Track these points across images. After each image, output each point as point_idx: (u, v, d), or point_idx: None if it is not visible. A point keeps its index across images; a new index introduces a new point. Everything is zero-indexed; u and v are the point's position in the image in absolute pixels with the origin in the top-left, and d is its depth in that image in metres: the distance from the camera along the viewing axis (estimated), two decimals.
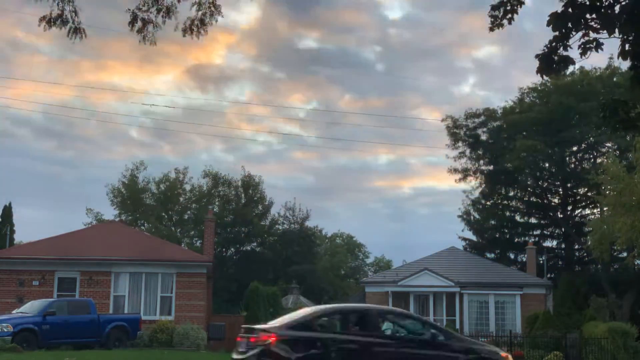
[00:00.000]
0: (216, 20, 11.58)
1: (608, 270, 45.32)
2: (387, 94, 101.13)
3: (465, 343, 14.61)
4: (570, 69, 10.81)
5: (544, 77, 10.75)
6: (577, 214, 53.51)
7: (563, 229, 51.84)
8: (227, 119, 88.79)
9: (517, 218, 54.96)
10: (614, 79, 45.88)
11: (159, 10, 11.40)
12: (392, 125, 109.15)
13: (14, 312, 29.33)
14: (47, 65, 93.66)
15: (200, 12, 11.53)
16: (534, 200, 53.96)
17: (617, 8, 9.75)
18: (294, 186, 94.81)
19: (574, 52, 10.22)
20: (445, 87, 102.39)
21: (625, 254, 38.19)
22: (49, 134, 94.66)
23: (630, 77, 10.10)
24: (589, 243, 38.48)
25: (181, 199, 56.71)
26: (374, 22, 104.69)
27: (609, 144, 46.94)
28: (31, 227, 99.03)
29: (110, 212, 55.68)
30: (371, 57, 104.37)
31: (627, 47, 9.70)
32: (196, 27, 11.54)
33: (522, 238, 53.76)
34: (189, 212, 56.69)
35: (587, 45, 10.02)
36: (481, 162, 52.55)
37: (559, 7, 9.94)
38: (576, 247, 52.46)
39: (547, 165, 50.11)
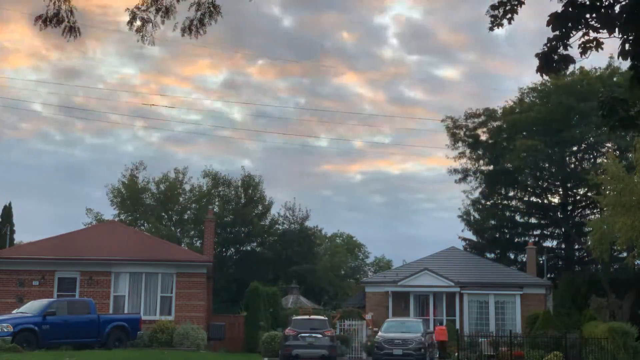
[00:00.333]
0: (215, 21, 11.59)
1: (608, 270, 45.29)
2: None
3: None
4: (570, 68, 10.80)
5: (544, 76, 10.73)
6: (577, 214, 53.47)
7: (563, 229, 51.82)
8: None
9: (517, 218, 54.93)
10: (614, 79, 45.83)
11: (158, 10, 11.40)
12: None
13: (14, 312, 29.34)
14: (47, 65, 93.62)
15: (199, 13, 11.52)
16: (534, 200, 53.94)
17: (617, 8, 9.74)
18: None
19: (574, 52, 10.22)
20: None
21: (625, 254, 38.15)
22: (49, 134, 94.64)
23: (630, 77, 10.09)
24: (589, 243, 38.46)
25: (181, 199, 56.69)
26: None
27: (609, 144, 46.91)
28: (31, 227, 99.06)
29: (110, 212, 55.74)
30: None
31: (627, 47, 9.69)
32: (195, 27, 11.54)
33: (522, 238, 53.73)
34: (189, 212, 56.67)
35: (587, 45, 10.02)
36: (481, 162, 52.53)
37: (558, 7, 9.94)
38: (576, 247, 52.43)
39: (547, 165, 50.07)
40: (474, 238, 55.07)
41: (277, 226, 58.17)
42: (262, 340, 33.34)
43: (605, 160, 38.66)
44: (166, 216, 55.98)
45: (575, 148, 49.55)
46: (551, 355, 29.40)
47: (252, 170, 74.69)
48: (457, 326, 36.52)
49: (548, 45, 10.19)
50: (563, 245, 54.03)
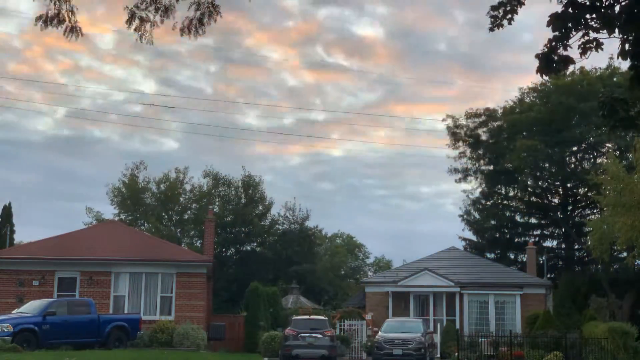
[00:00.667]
0: (215, 21, 11.57)
1: (608, 270, 45.29)
2: None
3: None
4: (570, 68, 10.79)
5: (544, 76, 10.73)
6: (577, 214, 53.48)
7: (563, 229, 51.82)
8: None
9: (517, 218, 54.93)
10: (614, 79, 45.83)
11: (157, 9, 11.38)
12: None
13: (14, 312, 29.34)
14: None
15: (198, 12, 11.51)
16: (534, 200, 53.93)
17: (617, 8, 9.74)
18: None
19: (574, 52, 10.22)
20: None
21: (625, 254, 38.13)
22: (49, 133, 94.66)
23: (630, 77, 10.09)
24: (589, 243, 38.44)
25: (181, 198, 56.69)
26: None
27: (609, 144, 46.89)
28: (31, 227, 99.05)
29: (110, 212, 55.73)
30: None
31: (627, 47, 9.69)
32: (194, 26, 11.53)
33: (522, 238, 53.74)
34: (189, 212, 56.66)
35: (587, 45, 10.01)
36: (481, 162, 52.53)
37: (558, 8, 9.94)
38: (576, 247, 52.43)
39: (547, 165, 50.06)
40: (474, 238, 55.10)
41: (277, 226, 58.17)
42: (262, 340, 33.33)
43: (605, 160, 38.64)
44: (166, 216, 55.98)
45: (575, 148, 49.54)
46: (551, 355, 29.40)
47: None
48: (457, 326, 36.51)
49: (548, 45, 10.19)
50: (563, 245, 54.04)
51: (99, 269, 34.54)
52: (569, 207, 53.11)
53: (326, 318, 32.72)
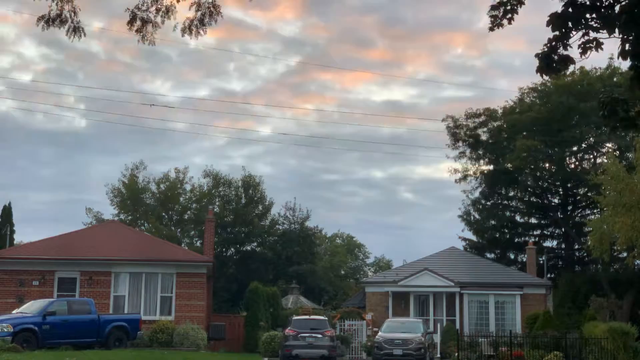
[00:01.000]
0: (215, 21, 11.59)
1: (608, 270, 45.27)
2: None
3: None
4: (571, 68, 10.80)
5: (544, 76, 10.74)
6: (577, 214, 53.48)
7: (563, 229, 51.82)
8: None
9: (517, 218, 54.92)
10: (614, 79, 45.83)
11: (158, 10, 11.41)
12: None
13: (14, 312, 29.36)
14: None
15: (199, 13, 11.53)
16: (534, 200, 53.94)
17: (617, 8, 9.74)
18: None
19: (574, 52, 10.23)
20: None
21: (625, 254, 38.13)
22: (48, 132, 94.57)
23: (630, 77, 10.09)
24: (589, 243, 38.41)
25: (181, 199, 56.70)
26: None
27: (609, 144, 46.91)
28: (31, 227, 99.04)
29: (110, 212, 55.75)
30: None
31: (627, 47, 9.69)
32: (195, 27, 11.55)
33: (522, 238, 53.73)
34: (189, 212, 56.67)
35: (587, 45, 10.02)
36: (481, 162, 52.54)
37: (558, 7, 9.94)
38: (576, 247, 52.42)
39: (547, 165, 50.06)
40: (474, 238, 55.08)
41: (277, 226, 58.20)
42: (262, 340, 33.35)
43: (605, 160, 38.63)
44: (166, 216, 56.00)
45: (575, 148, 49.53)
46: (551, 355, 29.40)
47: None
48: (457, 326, 36.54)
49: (548, 45, 10.20)
50: (563, 245, 54.03)
51: (99, 269, 34.56)
52: (569, 207, 53.12)
53: (326, 318, 32.75)
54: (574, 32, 10.01)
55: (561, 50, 10.19)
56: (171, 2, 11.37)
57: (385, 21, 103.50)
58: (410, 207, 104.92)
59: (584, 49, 10.01)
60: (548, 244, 53.89)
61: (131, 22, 11.44)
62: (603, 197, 34.34)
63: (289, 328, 30.21)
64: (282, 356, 29.83)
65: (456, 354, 31.73)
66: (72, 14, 11.26)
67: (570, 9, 9.85)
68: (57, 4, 11.07)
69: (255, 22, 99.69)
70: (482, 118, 51.17)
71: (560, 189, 52.81)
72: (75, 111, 75.52)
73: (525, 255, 47.17)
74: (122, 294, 34.52)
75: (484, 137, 51.45)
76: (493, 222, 54.09)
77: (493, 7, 10.64)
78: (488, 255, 53.05)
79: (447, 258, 43.51)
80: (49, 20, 11.20)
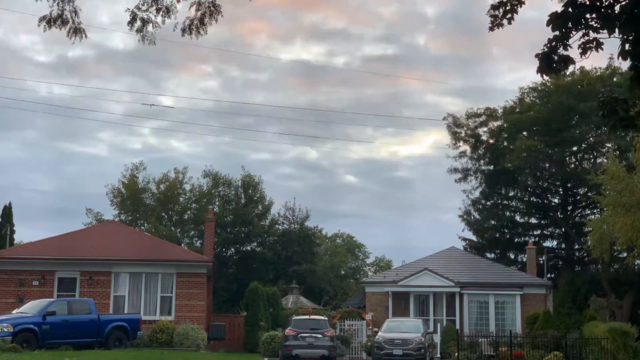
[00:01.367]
0: (216, 20, 11.59)
1: (608, 270, 45.27)
2: None
3: None
4: (571, 68, 10.80)
5: (544, 76, 10.74)
6: (577, 214, 53.46)
7: (563, 229, 51.82)
8: None
9: (517, 218, 54.90)
10: (614, 79, 45.84)
11: (158, 10, 11.40)
12: None
13: (14, 312, 29.36)
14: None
15: (199, 12, 11.53)
16: (534, 200, 53.93)
17: (617, 8, 9.74)
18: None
19: (574, 52, 10.22)
20: None
21: (625, 254, 38.14)
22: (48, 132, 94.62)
23: (630, 77, 10.09)
24: (589, 243, 38.44)
25: (181, 199, 56.68)
26: None
27: (609, 144, 46.89)
28: (31, 227, 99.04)
29: (110, 212, 55.74)
30: None
31: (627, 47, 9.69)
32: (195, 27, 11.55)
33: (522, 238, 53.72)
34: (189, 212, 56.65)
35: (587, 45, 10.02)
36: (481, 162, 52.53)
37: (558, 7, 9.94)
38: (576, 247, 52.42)
39: (547, 165, 50.06)
40: (474, 238, 55.07)
41: (277, 226, 58.18)
42: (262, 340, 33.35)
43: (605, 160, 38.62)
44: (166, 216, 55.99)
45: (575, 148, 49.54)
46: (551, 355, 29.40)
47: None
48: (457, 326, 36.54)
49: (548, 45, 10.19)
50: (563, 245, 54.03)
51: (99, 269, 34.56)
52: (569, 207, 53.11)
53: (326, 318, 32.74)
54: (574, 32, 10.01)
55: (561, 51, 10.19)
56: (171, 1, 11.37)
57: None
58: (411, 207, 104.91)
59: (584, 49, 10.01)
60: (548, 244, 53.89)
61: (131, 22, 11.43)
62: (603, 197, 34.34)
63: (289, 328, 30.21)
64: (282, 356, 29.83)
65: (456, 354, 31.74)
66: (74, 15, 11.26)
67: (570, 9, 9.85)
68: (57, 5, 11.08)
69: None
70: (483, 118, 51.19)
71: (560, 189, 52.81)
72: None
73: (525, 255, 47.15)
74: (122, 294, 34.51)
75: (484, 137, 51.48)
76: (493, 222, 54.09)
77: (493, 7, 10.65)
78: (488, 255, 53.05)
79: (447, 258, 43.50)
80: (50, 21, 11.20)
